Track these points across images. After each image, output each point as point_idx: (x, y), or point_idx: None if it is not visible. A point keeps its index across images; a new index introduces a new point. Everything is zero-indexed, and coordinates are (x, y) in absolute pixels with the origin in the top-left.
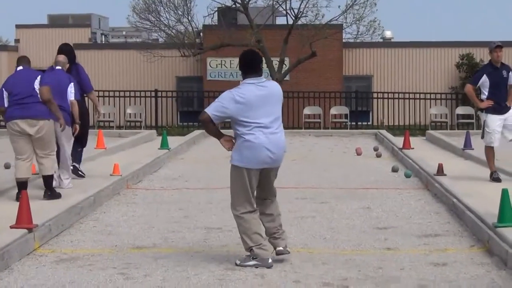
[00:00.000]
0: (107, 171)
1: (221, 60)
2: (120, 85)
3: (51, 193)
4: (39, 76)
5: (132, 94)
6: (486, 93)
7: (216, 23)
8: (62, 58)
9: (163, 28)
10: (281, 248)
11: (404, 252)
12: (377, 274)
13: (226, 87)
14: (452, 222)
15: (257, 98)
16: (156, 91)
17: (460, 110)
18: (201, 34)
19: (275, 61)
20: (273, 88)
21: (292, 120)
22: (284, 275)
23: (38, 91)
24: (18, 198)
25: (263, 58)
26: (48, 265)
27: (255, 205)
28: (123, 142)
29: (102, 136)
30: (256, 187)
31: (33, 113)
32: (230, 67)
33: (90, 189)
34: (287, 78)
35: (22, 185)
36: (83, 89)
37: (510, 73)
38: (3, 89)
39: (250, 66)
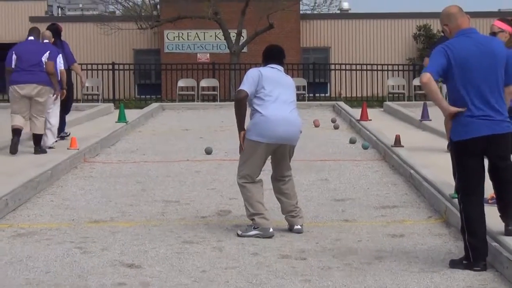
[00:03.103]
0: (64, 144)
1: (179, 33)
2: (77, 58)
3: (40, 149)
4: (48, 52)
5: (89, 67)
6: None
7: None
8: (47, 32)
9: (119, 0)
10: (299, 226)
11: (361, 224)
12: (334, 246)
13: (184, 59)
14: (409, 193)
15: (278, 77)
16: (113, 64)
17: (418, 81)
18: (158, 6)
19: (233, 33)
20: (290, 79)
21: None
22: (242, 247)
23: (44, 64)
24: (13, 146)
25: (281, 51)
26: (5, 240)
27: (258, 177)
28: (80, 116)
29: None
30: (273, 165)
31: (37, 79)
32: (188, 39)
33: (47, 163)
34: (244, 50)
35: (16, 131)
36: (67, 61)
37: None
38: (13, 52)
39: (270, 55)
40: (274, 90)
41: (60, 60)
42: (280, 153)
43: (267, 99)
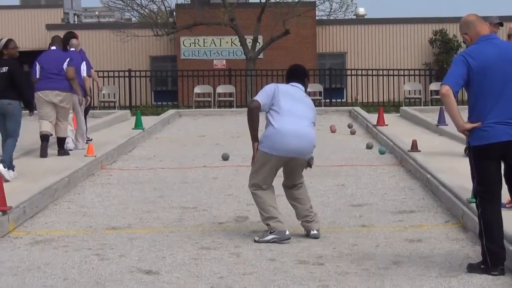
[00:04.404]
0: (81, 152)
1: (195, 39)
2: (93, 65)
3: (63, 151)
4: (68, 59)
5: (106, 74)
6: None
7: (189, 2)
8: (75, 41)
9: (135, 7)
10: (315, 231)
11: (379, 229)
12: (352, 251)
13: (201, 66)
14: (426, 198)
15: (295, 93)
16: (129, 71)
17: (434, 86)
18: (174, 13)
19: (249, 39)
20: (309, 99)
21: None
22: (259, 253)
23: (65, 70)
24: (42, 150)
25: (303, 71)
26: (23, 247)
27: (268, 185)
28: (97, 123)
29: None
30: (284, 175)
31: (59, 86)
32: (204, 45)
33: (64, 170)
34: (261, 56)
35: (44, 137)
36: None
37: None
38: (37, 62)
39: (293, 74)
40: (289, 104)
41: (83, 67)
42: (291, 165)
43: (281, 112)
